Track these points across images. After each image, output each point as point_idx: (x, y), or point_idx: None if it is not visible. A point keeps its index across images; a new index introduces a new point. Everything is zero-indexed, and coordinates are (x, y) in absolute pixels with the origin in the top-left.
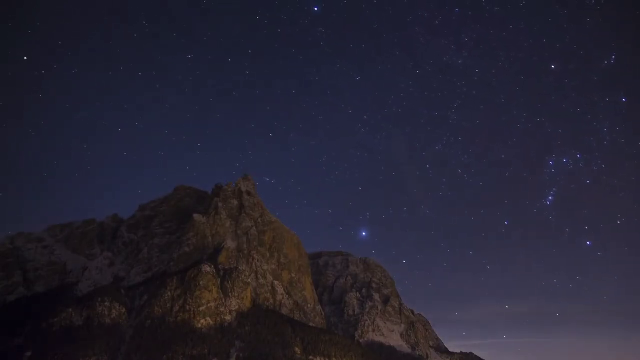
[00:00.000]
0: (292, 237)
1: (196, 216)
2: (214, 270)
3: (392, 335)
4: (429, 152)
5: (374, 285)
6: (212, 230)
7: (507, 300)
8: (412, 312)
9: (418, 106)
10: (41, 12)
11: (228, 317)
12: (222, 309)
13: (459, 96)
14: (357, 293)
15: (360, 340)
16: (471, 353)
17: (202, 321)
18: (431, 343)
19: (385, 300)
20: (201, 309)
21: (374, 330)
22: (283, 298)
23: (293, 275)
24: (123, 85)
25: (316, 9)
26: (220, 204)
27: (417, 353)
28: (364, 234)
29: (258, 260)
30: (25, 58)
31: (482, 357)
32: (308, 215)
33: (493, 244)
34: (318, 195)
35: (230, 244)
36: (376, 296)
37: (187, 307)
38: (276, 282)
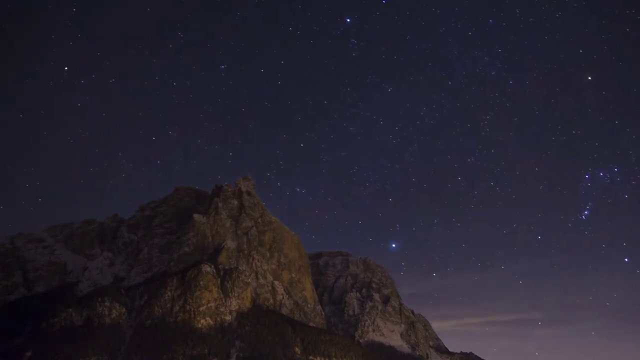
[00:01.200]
0: (292, 237)
1: (196, 216)
2: (214, 270)
3: (392, 335)
4: (461, 164)
5: (374, 285)
6: (212, 230)
7: (540, 317)
8: (412, 312)
9: (450, 118)
10: (81, 25)
11: (228, 317)
12: (222, 309)
13: (491, 108)
14: (357, 293)
15: (360, 340)
16: (471, 353)
17: (202, 321)
18: (431, 343)
19: (385, 300)
20: (201, 309)
21: (374, 330)
22: (283, 298)
23: (293, 275)
24: (157, 95)
25: (348, 20)
26: (220, 204)
27: (417, 353)
28: (393, 245)
29: (258, 260)
30: (66, 68)
31: (482, 358)
32: (338, 226)
33: (525, 258)
34: (348, 206)
35: (230, 244)
36: (376, 296)
37: (187, 307)
38: (276, 282)
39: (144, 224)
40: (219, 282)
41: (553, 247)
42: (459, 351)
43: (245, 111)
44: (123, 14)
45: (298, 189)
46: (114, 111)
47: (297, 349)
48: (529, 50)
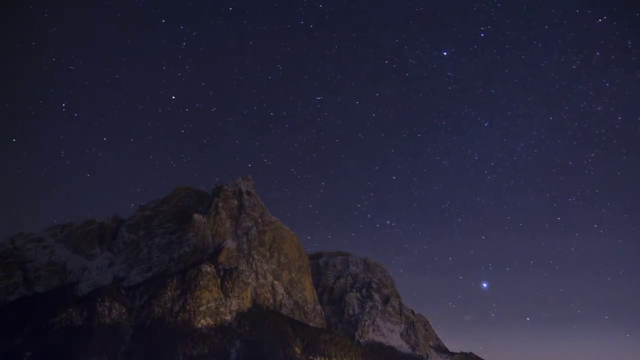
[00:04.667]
0: (292, 237)
1: (196, 216)
2: (214, 270)
3: (392, 335)
4: (561, 203)
5: (374, 285)
6: (212, 230)
7: None
8: (412, 312)
9: (550, 154)
10: (189, 57)
11: (228, 317)
12: (222, 309)
13: (597, 145)
14: (357, 293)
15: (360, 340)
16: (471, 353)
17: (202, 321)
18: (431, 343)
19: (385, 300)
20: (201, 309)
21: (374, 330)
22: (283, 298)
23: (293, 275)
24: (255, 124)
25: (445, 53)
26: (220, 204)
27: (417, 353)
28: (484, 285)
29: (258, 260)
30: (173, 97)
31: (482, 358)
32: (427, 262)
33: (634, 309)
34: (438, 242)
35: (230, 244)
36: (376, 296)
37: (187, 307)
38: (276, 282)
39: (144, 224)
40: (219, 282)
41: None
42: (459, 351)
43: (338, 142)
44: (227, 48)
45: (388, 222)
46: (214, 138)
47: (297, 349)
48: None
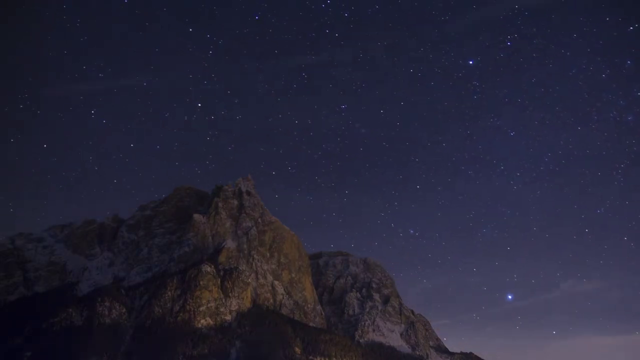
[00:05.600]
0: (292, 237)
1: (196, 216)
2: (214, 270)
3: (392, 335)
4: (589, 215)
5: (374, 285)
6: (212, 230)
7: None
8: (412, 312)
9: (578, 165)
10: (215, 66)
11: (228, 317)
12: (222, 309)
13: (627, 155)
14: (357, 293)
15: (360, 340)
16: (471, 353)
17: (202, 321)
18: (431, 343)
19: (385, 300)
20: (201, 309)
21: (374, 330)
22: (283, 298)
23: (293, 275)
24: (279, 132)
25: (471, 62)
26: (220, 204)
27: (417, 353)
28: (509, 297)
29: (258, 260)
30: (200, 105)
31: (482, 358)
32: (451, 273)
33: None
34: (463, 253)
35: (230, 244)
36: (376, 296)
37: (187, 307)
38: (276, 282)
39: (144, 224)
40: (219, 282)
41: None
42: (459, 351)
43: (362, 150)
44: (253, 56)
45: (412, 231)
46: (239, 146)
47: (297, 349)
48: None
